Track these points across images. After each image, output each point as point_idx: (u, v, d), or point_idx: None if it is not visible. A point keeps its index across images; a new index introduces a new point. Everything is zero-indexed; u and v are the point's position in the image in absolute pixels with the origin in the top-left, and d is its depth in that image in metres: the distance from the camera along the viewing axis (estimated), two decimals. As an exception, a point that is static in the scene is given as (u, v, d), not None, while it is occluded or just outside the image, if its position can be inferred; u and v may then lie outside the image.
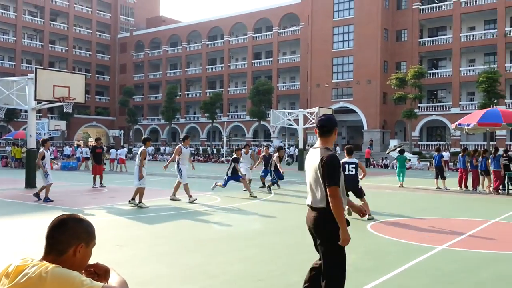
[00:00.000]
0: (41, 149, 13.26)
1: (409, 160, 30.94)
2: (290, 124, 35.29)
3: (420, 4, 47.71)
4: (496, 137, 39.95)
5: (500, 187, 16.81)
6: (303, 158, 30.12)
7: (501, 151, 18.63)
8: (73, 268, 1.81)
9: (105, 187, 17.27)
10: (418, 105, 45.51)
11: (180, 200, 12.90)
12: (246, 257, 6.59)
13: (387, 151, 38.90)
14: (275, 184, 16.93)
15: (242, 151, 16.31)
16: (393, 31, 48.44)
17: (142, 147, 12.07)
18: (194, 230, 8.81)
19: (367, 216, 9.62)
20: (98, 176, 17.64)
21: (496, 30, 43.86)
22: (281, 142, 50.94)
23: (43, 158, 13.00)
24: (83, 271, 1.93)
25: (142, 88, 69.40)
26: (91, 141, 64.02)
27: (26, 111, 18.82)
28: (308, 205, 3.91)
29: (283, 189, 16.95)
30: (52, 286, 1.70)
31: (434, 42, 47.38)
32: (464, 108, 43.82)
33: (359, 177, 10.18)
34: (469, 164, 18.16)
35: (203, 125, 61.40)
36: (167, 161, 14.36)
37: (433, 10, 47.24)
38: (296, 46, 56.57)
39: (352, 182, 9.50)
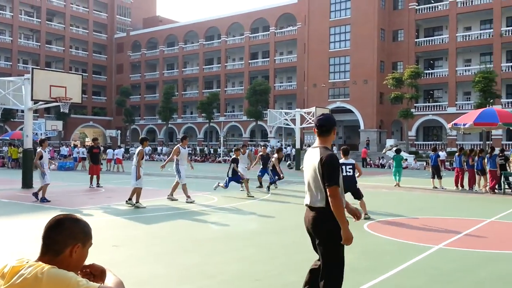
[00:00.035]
0: (39, 149, 13.22)
1: (406, 159, 30.99)
2: (287, 124, 35.32)
3: (417, 4, 47.79)
4: (492, 137, 40.04)
5: (496, 186, 16.86)
6: (300, 158, 30.14)
7: (497, 151, 18.72)
8: (69, 269, 1.80)
9: (102, 187, 17.24)
10: (415, 105, 45.64)
11: (177, 200, 12.89)
12: (243, 257, 6.59)
13: (383, 151, 38.97)
14: (273, 184, 16.94)
15: (240, 151, 16.30)
16: (389, 31, 48.53)
17: (140, 147, 12.06)
18: (191, 230, 8.80)
19: (363, 215, 9.64)
20: (95, 176, 17.62)
21: (492, 30, 44.01)
22: (278, 142, 50.98)
23: (40, 158, 12.97)
24: (79, 272, 1.93)
25: (139, 88, 69.30)
26: (88, 141, 64.04)
27: (22, 111, 18.77)
28: (306, 205, 3.90)
29: (280, 189, 16.96)
30: (48, 287, 1.70)
31: (430, 42, 47.50)
32: (460, 108, 43.96)
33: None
34: (465, 163, 18.20)
35: (200, 125, 61.36)
36: (164, 161, 14.36)
37: (429, 10, 47.35)
38: (293, 46, 56.58)
39: (350, 183, 9.49)
